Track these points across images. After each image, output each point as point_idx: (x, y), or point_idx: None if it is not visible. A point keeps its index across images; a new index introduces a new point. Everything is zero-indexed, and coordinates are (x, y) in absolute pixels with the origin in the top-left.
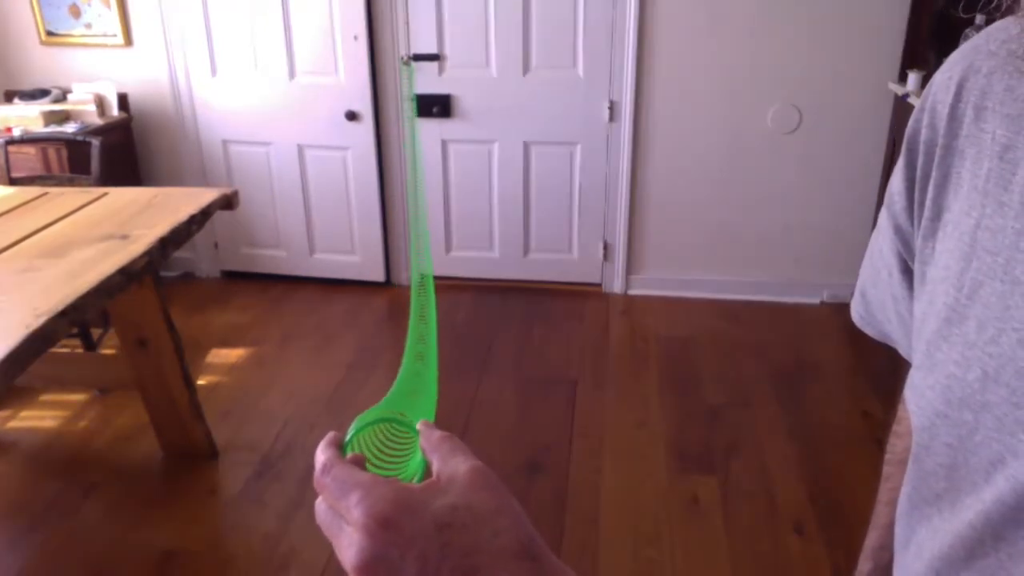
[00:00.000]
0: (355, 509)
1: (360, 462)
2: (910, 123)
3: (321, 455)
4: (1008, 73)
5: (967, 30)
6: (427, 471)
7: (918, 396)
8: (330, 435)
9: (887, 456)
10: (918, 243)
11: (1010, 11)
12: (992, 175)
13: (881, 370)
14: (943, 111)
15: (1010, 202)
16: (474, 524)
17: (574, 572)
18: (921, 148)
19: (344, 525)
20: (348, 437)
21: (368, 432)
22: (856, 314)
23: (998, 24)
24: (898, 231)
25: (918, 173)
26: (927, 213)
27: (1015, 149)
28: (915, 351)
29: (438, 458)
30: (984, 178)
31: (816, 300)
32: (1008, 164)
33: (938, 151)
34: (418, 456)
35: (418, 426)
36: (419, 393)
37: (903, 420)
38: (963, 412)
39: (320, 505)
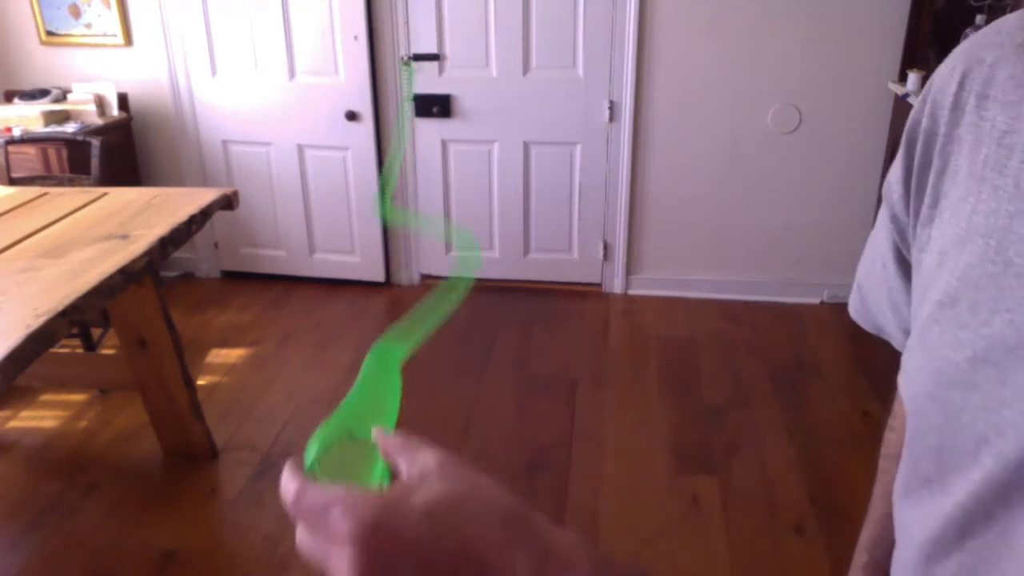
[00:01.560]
0: (340, 524)
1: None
2: (911, 115)
3: (290, 484)
4: (1011, 63)
5: (966, 30)
6: (393, 477)
7: (909, 380)
8: (290, 464)
9: (882, 451)
10: (916, 231)
11: (994, 12)
12: (989, 160)
13: (881, 370)
14: (945, 101)
15: (1004, 185)
16: (458, 504)
17: (566, 529)
18: (921, 138)
19: (332, 545)
20: (309, 463)
21: (326, 453)
22: (853, 308)
23: (1002, 18)
24: (895, 220)
25: (916, 163)
26: (926, 201)
27: (1014, 134)
28: (910, 337)
29: (404, 460)
30: (981, 164)
31: (816, 300)
32: (1005, 149)
33: (939, 140)
34: (380, 465)
35: (373, 436)
36: (380, 400)
37: (898, 415)
38: (952, 393)
39: (302, 534)
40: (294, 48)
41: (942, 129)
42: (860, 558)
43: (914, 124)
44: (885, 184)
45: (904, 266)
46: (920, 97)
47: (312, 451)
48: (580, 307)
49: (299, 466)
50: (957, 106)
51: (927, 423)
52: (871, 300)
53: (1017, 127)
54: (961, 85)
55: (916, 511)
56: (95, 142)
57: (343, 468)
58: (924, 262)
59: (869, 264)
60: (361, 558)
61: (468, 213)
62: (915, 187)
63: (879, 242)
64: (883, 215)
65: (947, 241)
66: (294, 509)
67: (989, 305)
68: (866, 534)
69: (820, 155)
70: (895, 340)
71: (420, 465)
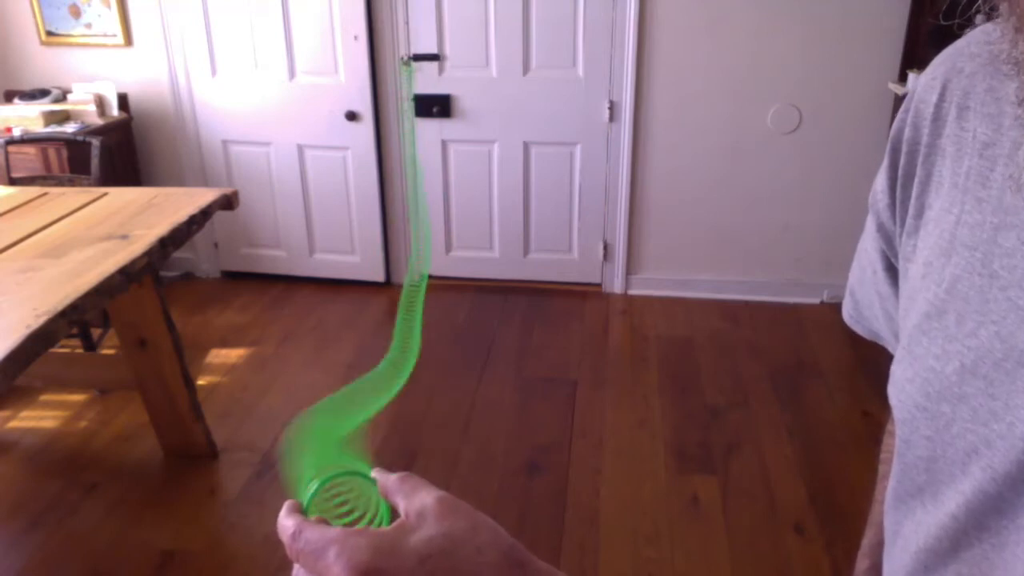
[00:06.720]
0: (335, 566)
1: (326, 523)
2: (895, 123)
3: (288, 522)
4: (990, 74)
5: (967, 30)
6: (393, 515)
7: (898, 390)
8: (288, 503)
9: (882, 455)
10: (902, 240)
11: (990, 18)
12: (972, 172)
13: (881, 370)
14: (927, 111)
15: (988, 198)
16: (454, 547)
17: (562, 572)
18: (904, 147)
19: None
20: (306, 502)
21: (324, 490)
22: (846, 313)
23: (981, 28)
24: (881, 229)
25: (900, 172)
26: (911, 211)
27: (994, 146)
28: (899, 347)
29: (402, 498)
30: (964, 175)
31: (816, 300)
32: (987, 161)
33: (922, 150)
34: (382, 503)
35: (372, 474)
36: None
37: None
38: (941, 404)
39: (298, 573)
40: (294, 48)
41: (925, 139)
42: (862, 563)
43: (898, 133)
44: (871, 193)
45: (893, 274)
46: (903, 105)
47: (311, 489)
48: (580, 307)
49: (297, 507)
50: (938, 116)
51: (917, 434)
52: (864, 306)
53: (998, 139)
54: (942, 95)
55: (910, 520)
56: (95, 142)
57: (342, 506)
58: (910, 272)
59: (860, 271)
60: None
61: (468, 213)
62: (900, 196)
63: (868, 249)
64: (870, 223)
65: (932, 252)
66: (291, 549)
67: (975, 317)
68: (868, 537)
69: (820, 155)
70: (890, 346)
71: (418, 505)
